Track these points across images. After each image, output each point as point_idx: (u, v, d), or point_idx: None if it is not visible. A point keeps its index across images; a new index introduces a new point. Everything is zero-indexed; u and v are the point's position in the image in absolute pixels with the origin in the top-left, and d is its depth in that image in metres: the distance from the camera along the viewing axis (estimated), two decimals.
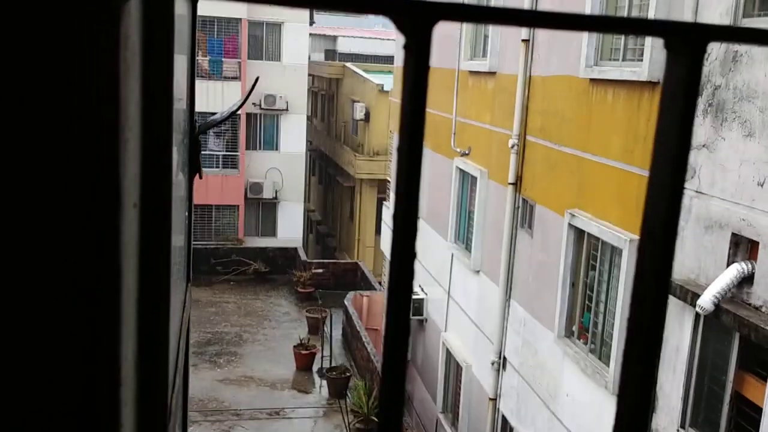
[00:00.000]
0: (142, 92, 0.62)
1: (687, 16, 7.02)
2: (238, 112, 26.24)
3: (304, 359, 18.31)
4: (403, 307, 0.50)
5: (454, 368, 13.65)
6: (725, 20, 6.59)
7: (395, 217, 0.50)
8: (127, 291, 0.54)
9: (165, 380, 0.78)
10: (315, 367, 18.36)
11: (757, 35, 0.52)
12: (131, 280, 0.59)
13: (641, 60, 7.89)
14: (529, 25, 0.50)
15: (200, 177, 1.64)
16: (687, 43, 0.51)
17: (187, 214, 1.61)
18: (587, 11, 8.87)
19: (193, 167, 1.55)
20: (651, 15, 7.62)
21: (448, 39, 13.90)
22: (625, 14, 8.40)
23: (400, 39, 0.50)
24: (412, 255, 0.50)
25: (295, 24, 27.40)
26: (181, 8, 1.31)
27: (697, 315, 6.73)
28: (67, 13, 0.43)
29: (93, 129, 0.45)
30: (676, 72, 0.52)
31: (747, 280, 6.25)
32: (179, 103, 1.38)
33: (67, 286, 0.46)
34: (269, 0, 0.46)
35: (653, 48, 7.56)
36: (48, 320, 0.46)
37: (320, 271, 23.97)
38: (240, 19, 26.37)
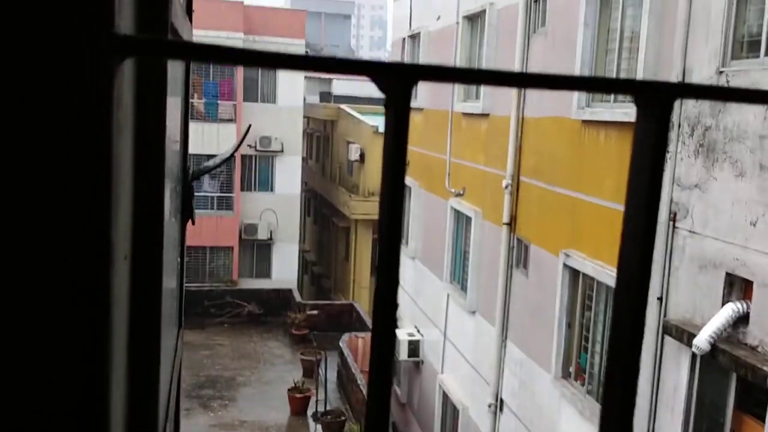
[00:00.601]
0: (134, 147, 0.64)
1: (677, 57, 7.14)
2: (233, 154, 26.37)
3: (298, 403, 18.09)
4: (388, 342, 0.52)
5: (450, 411, 13.50)
6: (714, 63, 6.70)
7: (378, 271, 0.51)
8: (118, 342, 0.55)
9: (155, 429, 0.79)
10: (310, 411, 18.13)
11: (724, 93, 0.54)
12: (121, 331, 0.60)
13: (632, 102, 7.99)
14: (504, 84, 0.52)
15: (193, 223, 1.66)
16: (655, 101, 0.54)
17: (179, 259, 1.62)
18: (578, 54, 9.02)
19: (186, 213, 1.57)
20: (641, 56, 7.74)
21: None
22: (616, 54, 8.53)
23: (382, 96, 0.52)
24: (393, 325, 0.52)
25: None
26: (175, 62, 1.35)
27: (694, 355, 6.71)
28: (61, 73, 0.45)
29: (85, 186, 0.46)
30: (645, 129, 0.54)
31: (742, 319, 6.24)
32: (173, 151, 1.40)
33: (56, 339, 0.47)
34: (259, 63, 0.48)
35: None
36: (37, 375, 0.47)
37: (315, 312, 23.83)
38: None
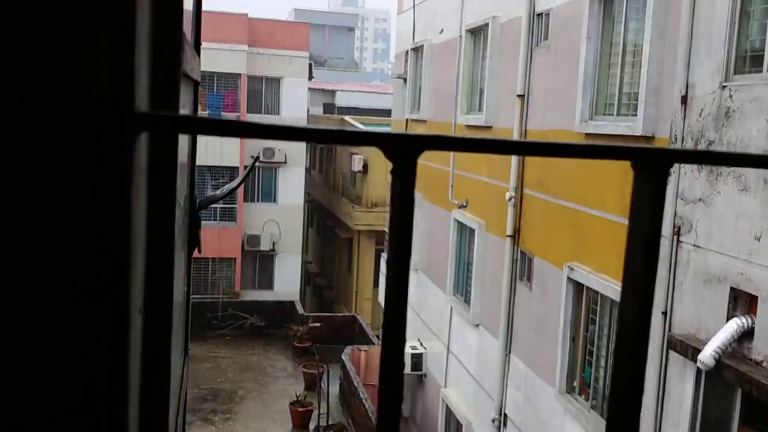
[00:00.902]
0: (147, 203, 0.66)
1: (679, 72, 7.16)
2: (236, 164, 26.44)
3: (300, 417, 18.03)
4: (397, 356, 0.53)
5: (454, 426, 13.46)
6: (717, 78, 6.71)
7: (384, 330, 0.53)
8: (131, 394, 0.57)
9: None
10: (312, 425, 18.07)
11: (718, 157, 0.56)
12: (134, 383, 0.62)
13: (635, 115, 8.02)
14: (506, 152, 0.54)
15: (199, 251, 1.68)
16: (652, 165, 0.55)
17: (185, 288, 1.64)
18: (581, 68, 9.04)
19: (193, 242, 1.59)
20: (644, 70, 7.76)
21: (445, 94, 14.12)
22: (618, 68, 8.56)
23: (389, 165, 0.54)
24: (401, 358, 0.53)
25: (294, 79, 27.82)
26: (183, 96, 1.37)
27: (699, 370, 6.69)
28: (85, 150, 0.47)
29: (105, 248, 0.48)
30: (643, 191, 0.56)
31: (747, 334, 6.23)
32: (181, 184, 1.43)
33: (74, 395, 0.49)
34: (270, 136, 0.50)
35: (647, 103, 7.69)
36: (54, 426, 0.49)
37: (317, 324, 23.79)
38: (240, 74, 26.78)
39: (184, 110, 1.44)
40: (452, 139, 0.52)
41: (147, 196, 0.66)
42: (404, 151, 0.52)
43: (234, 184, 2.74)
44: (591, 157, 0.56)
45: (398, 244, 0.54)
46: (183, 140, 1.46)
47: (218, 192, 2.75)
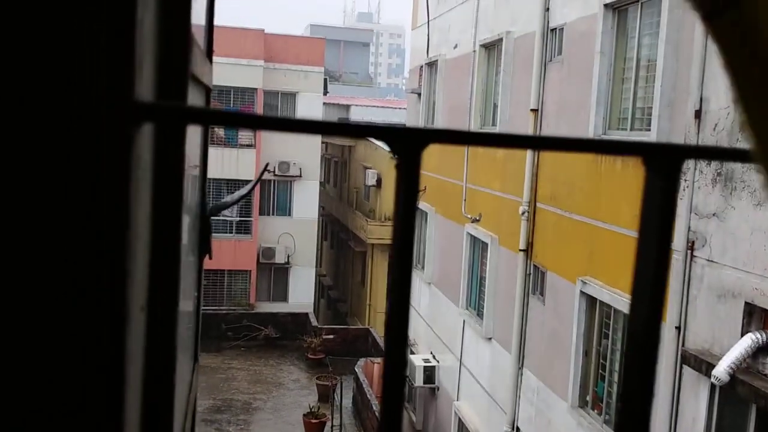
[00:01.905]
0: (152, 201, 0.65)
1: (693, 87, 7.13)
2: (251, 190, 26.53)
3: (314, 428, 18.00)
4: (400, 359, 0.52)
5: None
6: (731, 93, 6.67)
7: (386, 328, 0.52)
8: (132, 395, 0.56)
9: None
10: None
11: (731, 154, 0.55)
12: (135, 383, 0.62)
13: (649, 129, 7.99)
14: (514, 146, 0.53)
15: (210, 258, 1.68)
16: (664, 161, 0.55)
17: (196, 294, 1.64)
18: (594, 83, 9.03)
19: (204, 249, 1.59)
20: (657, 85, 7.74)
21: (459, 108, 14.13)
22: (632, 83, 8.53)
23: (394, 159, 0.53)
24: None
25: (310, 93, 27.96)
26: (195, 101, 1.37)
27: (713, 386, 6.62)
28: (82, 138, 0.47)
29: (102, 243, 0.48)
30: (654, 188, 0.55)
31: (762, 350, 6.16)
32: (191, 186, 1.43)
33: (74, 394, 0.49)
34: (275, 127, 0.50)
35: (660, 117, 7.66)
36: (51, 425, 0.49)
37: (331, 337, 23.78)
38: (256, 89, 26.94)
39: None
40: (457, 132, 0.52)
41: (152, 191, 0.66)
42: (409, 144, 0.51)
43: (245, 190, 2.76)
44: (601, 152, 0.55)
45: (401, 239, 0.53)
46: (194, 144, 1.46)
47: (229, 198, 2.76)
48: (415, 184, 0.53)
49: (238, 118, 0.47)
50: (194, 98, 1.24)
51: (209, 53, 1.59)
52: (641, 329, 0.57)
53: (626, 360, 0.56)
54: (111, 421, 0.49)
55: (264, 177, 27.29)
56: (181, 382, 1.17)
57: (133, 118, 0.48)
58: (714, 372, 6.29)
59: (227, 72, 25.85)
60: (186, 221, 1.31)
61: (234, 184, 26.32)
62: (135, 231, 0.54)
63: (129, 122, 0.48)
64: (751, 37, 0.44)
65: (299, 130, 0.51)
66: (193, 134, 1.37)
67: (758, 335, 6.16)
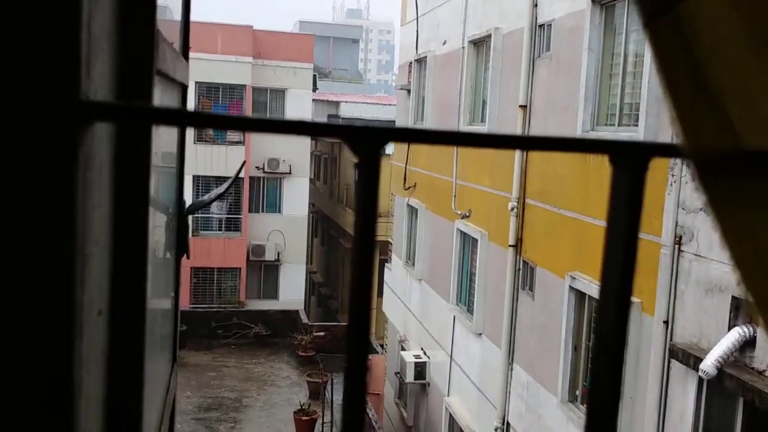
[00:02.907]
0: (114, 202, 0.64)
1: None
2: (228, 189, 26.46)
3: (304, 425, 17.99)
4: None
5: None
6: None
7: (348, 335, 0.51)
8: (87, 400, 0.55)
9: None
10: None
11: None
12: (93, 388, 0.60)
13: (637, 125, 8.00)
14: (469, 145, 0.52)
15: (188, 257, 1.66)
16: (630, 159, 0.54)
17: (173, 294, 1.63)
18: (582, 78, 9.04)
19: (181, 248, 1.57)
20: (645, 81, 7.75)
21: (448, 104, 14.13)
22: (620, 79, 8.55)
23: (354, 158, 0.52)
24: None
25: (299, 90, 27.89)
26: (170, 99, 1.36)
27: (700, 380, 6.65)
28: (22, 136, 0.45)
29: (47, 245, 0.46)
30: (621, 186, 0.54)
31: (749, 343, 6.19)
32: (166, 186, 1.41)
33: (18, 394, 0.47)
34: (228, 126, 0.48)
35: (648, 113, 7.68)
36: None
37: (321, 334, 23.77)
38: (245, 85, 26.86)
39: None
40: (416, 131, 0.50)
41: (114, 192, 0.64)
42: (368, 143, 0.50)
43: (222, 189, 2.73)
44: (569, 150, 0.54)
45: (362, 239, 0.52)
46: (170, 144, 1.44)
47: (206, 197, 2.74)
48: (375, 183, 0.52)
49: (189, 117, 0.46)
50: (166, 96, 1.23)
51: (185, 51, 1.57)
52: (609, 330, 0.56)
53: (594, 358, 0.55)
54: (61, 425, 0.47)
55: (253, 174, 27.23)
56: (155, 384, 1.15)
57: (79, 117, 0.46)
58: (702, 366, 6.31)
59: (216, 69, 25.75)
60: (161, 221, 1.29)
61: (223, 181, 26.23)
62: (89, 233, 0.53)
63: (75, 122, 0.46)
64: (689, 42, 0.44)
65: (256, 129, 0.49)
66: (168, 134, 1.35)
67: (745, 329, 6.19)
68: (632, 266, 0.54)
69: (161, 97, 1.13)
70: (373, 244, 0.53)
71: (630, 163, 0.53)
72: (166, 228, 1.37)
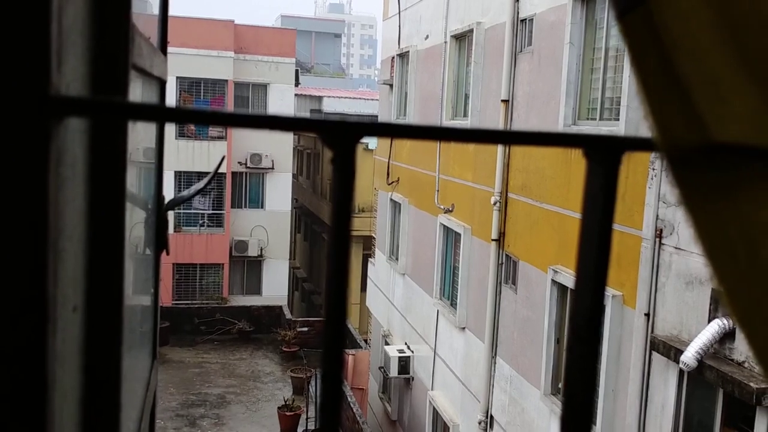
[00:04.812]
0: (89, 198, 0.63)
1: None
2: (223, 170, 26.36)
3: (288, 421, 17.98)
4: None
5: (441, 428, 13.45)
6: None
7: (325, 324, 0.51)
8: (61, 396, 0.54)
9: None
10: (300, 429, 18.02)
11: None
12: (69, 384, 0.60)
13: (618, 119, 8.05)
14: (445, 139, 0.52)
15: (167, 253, 1.65)
16: (604, 153, 0.54)
17: (153, 290, 1.62)
18: (564, 73, 9.08)
19: (160, 244, 1.56)
20: (626, 75, 7.80)
21: (431, 99, 14.14)
22: (601, 73, 8.59)
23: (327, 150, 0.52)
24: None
25: (281, 85, 27.79)
26: (148, 95, 1.34)
27: (681, 371, 6.72)
28: None
29: (18, 241, 0.46)
30: (595, 179, 0.55)
31: (729, 335, 6.26)
32: (145, 181, 1.40)
33: None
34: (199, 121, 0.48)
35: (629, 107, 7.73)
36: None
37: (305, 329, 23.75)
38: (226, 80, 26.73)
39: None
40: (390, 126, 0.51)
41: (89, 188, 0.63)
42: (342, 137, 0.50)
43: (201, 184, 2.72)
44: (543, 144, 0.54)
45: (337, 233, 0.52)
46: (149, 139, 1.43)
47: (186, 193, 2.74)
48: (351, 177, 0.52)
49: (161, 111, 0.45)
50: (144, 91, 1.22)
51: (163, 45, 1.56)
52: (585, 318, 0.56)
53: (569, 347, 0.56)
54: (33, 421, 0.47)
55: (236, 170, 27.12)
56: (134, 380, 1.15)
57: (50, 112, 0.46)
58: (682, 358, 6.38)
59: (197, 63, 25.60)
60: (140, 216, 1.29)
61: (205, 176, 26.12)
62: (63, 229, 0.52)
63: (45, 117, 0.46)
64: (659, 34, 0.45)
65: (231, 123, 0.49)
66: (146, 129, 1.34)
67: (725, 321, 6.26)
68: (606, 256, 0.55)
69: (140, 92, 1.12)
70: (349, 237, 0.53)
71: (604, 156, 0.54)
72: (145, 224, 1.36)
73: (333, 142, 0.50)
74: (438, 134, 0.51)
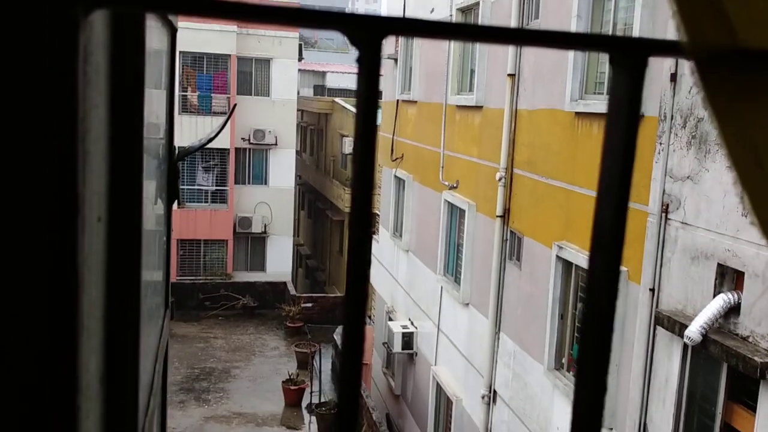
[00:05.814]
0: (110, 109, 0.63)
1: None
2: (227, 146, 26.31)
3: (293, 395, 18.12)
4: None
5: (444, 402, 13.54)
6: None
7: (351, 225, 0.51)
8: (89, 304, 0.55)
9: (135, 397, 0.78)
10: (304, 403, 18.17)
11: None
12: (95, 293, 0.60)
13: None
14: (472, 39, 0.52)
15: (179, 205, 1.65)
16: (630, 57, 0.54)
17: (165, 239, 1.62)
18: (569, 65, 8.99)
19: (172, 194, 1.56)
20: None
21: (436, 74, 14.05)
22: (607, 60, 8.52)
23: (354, 54, 0.52)
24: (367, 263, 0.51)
25: (284, 60, 27.65)
26: (160, 41, 1.34)
27: (686, 346, 6.74)
28: (19, 23, 0.45)
29: (47, 138, 0.46)
30: (620, 86, 0.54)
31: (734, 310, 6.27)
32: (157, 130, 1.40)
33: (21, 296, 0.47)
34: (230, 15, 0.47)
35: None
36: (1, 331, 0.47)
37: (309, 305, 23.86)
38: (229, 55, 26.58)
39: (161, 54, 1.41)
40: (419, 22, 0.50)
41: (110, 91, 0.63)
42: (369, 33, 0.49)
43: (212, 134, 2.72)
44: (568, 47, 0.54)
45: (363, 140, 0.51)
46: (160, 94, 1.43)
47: (197, 142, 2.73)
48: (376, 76, 0.51)
49: (188, 2, 0.45)
50: (160, 36, 1.21)
51: None
52: (607, 230, 0.56)
53: (590, 260, 0.55)
54: (64, 360, 0.47)
55: (239, 146, 27.06)
56: (150, 324, 1.15)
57: (78, 2, 0.46)
58: (687, 332, 6.39)
59: (201, 38, 25.45)
60: (152, 164, 1.28)
61: (209, 153, 26.09)
62: (89, 130, 0.52)
63: (73, 5, 0.45)
64: None
65: (249, 17, 0.48)
66: (159, 94, 1.34)
67: (730, 296, 6.26)
68: (631, 164, 0.55)
69: (156, 39, 1.11)
70: (375, 146, 0.52)
71: (629, 60, 0.53)
72: (156, 172, 1.36)
73: (359, 40, 0.49)
74: (460, 32, 0.50)
